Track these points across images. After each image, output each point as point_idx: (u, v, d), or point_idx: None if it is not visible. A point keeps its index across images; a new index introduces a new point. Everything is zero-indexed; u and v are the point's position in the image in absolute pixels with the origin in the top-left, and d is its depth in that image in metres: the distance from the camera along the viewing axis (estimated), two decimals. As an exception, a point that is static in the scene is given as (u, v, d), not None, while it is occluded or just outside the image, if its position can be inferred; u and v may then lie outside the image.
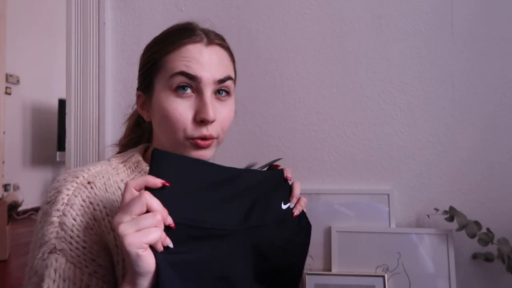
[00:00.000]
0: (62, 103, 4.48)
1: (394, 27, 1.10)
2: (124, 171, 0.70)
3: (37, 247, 0.60)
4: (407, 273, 1.03)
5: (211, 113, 0.64)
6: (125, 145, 0.82)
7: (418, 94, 1.09)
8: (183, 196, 0.55)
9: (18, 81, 4.51)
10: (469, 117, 1.07)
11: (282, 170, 0.73)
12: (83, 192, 0.62)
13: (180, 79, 0.65)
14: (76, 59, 1.24)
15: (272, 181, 0.70)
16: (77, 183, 0.63)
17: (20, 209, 4.13)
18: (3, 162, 3.99)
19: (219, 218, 0.59)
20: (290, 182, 0.73)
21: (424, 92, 1.09)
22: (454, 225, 1.01)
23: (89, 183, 0.63)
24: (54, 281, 0.57)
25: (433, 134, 1.08)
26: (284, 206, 0.71)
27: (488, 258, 1.00)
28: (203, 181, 0.59)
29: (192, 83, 0.65)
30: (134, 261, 0.47)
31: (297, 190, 0.72)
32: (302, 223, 0.72)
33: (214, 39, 0.69)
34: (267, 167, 0.78)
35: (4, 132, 4.04)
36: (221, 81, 0.67)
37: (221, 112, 0.68)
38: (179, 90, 0.65)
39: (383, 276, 1.02)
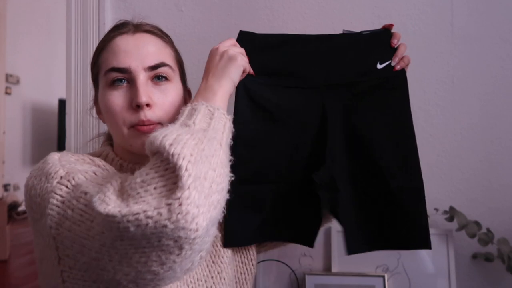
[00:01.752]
0: (62, 103, 4.48)
1: (394, 27, 1.10)
2: (99, 161, 0.70)
3: (43, 186, 0.58)
4: (407, 273, 1.03)
5: (142, 97, 0.64)
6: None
7: (418, 94, 1.09)
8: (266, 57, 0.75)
9: (18, 81, 4.51)
10: (469, 117, 1.07)
11: (387, 30, 0.76)
12: (71, 154, 0.65)
13: (112, 74, 0.67)
14: (76, 59, 1.24)
15: (372, 40, 0.75)
16: (55, 167, 0.60)
17: (20, 209, 4.12)
18: (3, 162, 3.99)
19: (301, 71, 0.75)
20: (395, 45, 0.76)
21: (424, 92, 1.09)
22: (454, 225, 1.01)
23: (67, 173, 0.60)
24: (85, 177, 0.58)
25: (433, 134, 1.08)
26: (379, 66, 0.74)
27: (488, 258, 1.00)
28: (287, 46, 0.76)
29: (124, 75, 0.67)
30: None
31: (402, 50, 0.76)
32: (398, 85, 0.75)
33: (141, 26, 0.71)
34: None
35: (4, 132, 4.04)
36: (153, 67, 0.67)
37: (159, 97, 0.67)
38: (115, 83, 0.67)
39: (383, 276, 1.02)
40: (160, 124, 0.67)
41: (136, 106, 0.65)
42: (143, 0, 1.23)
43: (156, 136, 0.51)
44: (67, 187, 0.56)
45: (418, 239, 0.74)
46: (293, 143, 0.75)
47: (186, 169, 0.47)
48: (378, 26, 1.11)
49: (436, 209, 1.04)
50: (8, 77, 4.27)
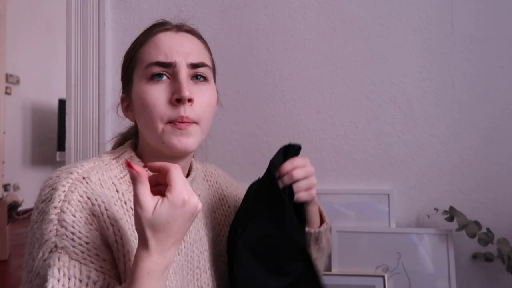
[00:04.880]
0: (62, 103, 4.47)
1: (394, 27, 1.10)
2: (117, 167, 0.69)
3: (36, 248, 0.57)
4: (407, 273, 1.03)
5: (186, 91, 0.63)
6: (115, 146, 0.82)
7: (418, 94, 1.09)
8: None
9: (18, 81, 4.51)
10: (469, 117, 1.07)
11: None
12: (80, 187, 0.60)
13: (155, 68, 0.66)
14: (76, 59, 1.24)
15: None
16: (72, 179, 0.60)
17: (20, 209, 4.12)
18: (3, 162, 3.99)
19: None
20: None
21: (424, 92, 1.09)
22: (454, 225, 1.01)
23: (84, 178, 0.61)
24: (58, 281, 0.53)
25: (433, 134, 1.08)
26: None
27: (488, 258, 1.00)
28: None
29: (166, 70, 0.66)
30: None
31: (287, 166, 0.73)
32: None
33: (184, 26, 0.71)
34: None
35: (4, 132, 4.04)
36: (196, 65, 0.67)
37: (198, 96, 0.66)
38: (154, 77, 0.66)
39: (383, 276, 1.02)
40: (196, 123, 0.66)
41: (176, 100, 0.64)
42: (143, 0, 1.23)
43: None
44: (58, 258, 0.55)
45: None
46: None
47: None
48: (378, 26, 1.12)
49: (436, 209, 1.04)
50: (8, 77, 4.27)
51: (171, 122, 0.64)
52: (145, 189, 0.51)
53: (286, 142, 1.15)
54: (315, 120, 1.13)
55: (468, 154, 1.06)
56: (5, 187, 4.18)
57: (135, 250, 0.61)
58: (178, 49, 0.66)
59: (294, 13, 1.15)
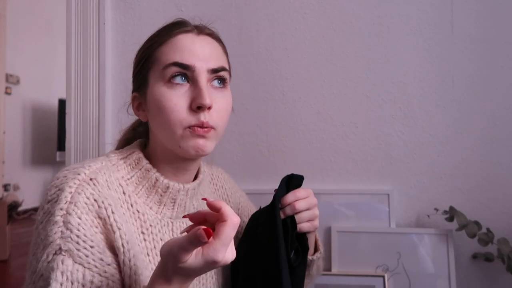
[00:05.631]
0: (62, 103, 4.47)
1: (394, 27, 1.10)
2: (124, 168, 0.68)
3: (40, 249, 0.57)
4: (407, 273, 1.03)
5: (207, 98, 0.62)
6: (122, 143, 0.80)
7: (418, 94, 1.09)
8: None
9: (18, 81, 4.51)
10: (469, 117, 1.07)
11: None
12: (87, 189, 0.59)
13: (174, 70, 0.64)
14: (76, 59, 1.24)
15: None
16: (79, 180, 0.60)
17: (20, 209, 4.13)
18: (3, 162, 3.99)
19: None
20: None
21: (424, 92, 1.09)
22: (454, 225, 1.01)
23: (91, 179, 0.61)
24: (61, 284, 0.53)
25: (433, 134, 1.08)
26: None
27: (488, 258, 1.00)
28: None
29: (186, 72, 0.64)
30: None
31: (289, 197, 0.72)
32: None
33: (205, 29, 0.69)
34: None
35: (4, 132, 4.05)
36: (216, 70, 0.66)
37: (217, 102, 0.65)
38: (173, 80, 0.64)
39: (383, 276, 1.02)
40: (214, 129, 0.65)
41: (197, 107, 0.63)
42: (143, 0, 1.23)
43: None
44: (44, 276, 0.55)
45: None
46: None
47: None
48: (378, 26, 1.11)
49: (436, 209, 1.04)
50: (8, 77, 4.27)
51: (190, 127, 0.63)
52: (191, 248, 0.48)
53: (286, 142, 1.15)
54: (315, 120, 1.13)
55: (468, 154, 1.06)
56: (5, 187, 4.18)
57: (140, 254, 0.61)
58: (199, 54, 0.65)
59: (294, 13, 1.15)
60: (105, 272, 0.57)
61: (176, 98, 0.63)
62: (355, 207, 1.09)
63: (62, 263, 0.54)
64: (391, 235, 1.05)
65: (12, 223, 3.51)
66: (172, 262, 0.49)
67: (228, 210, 0.49)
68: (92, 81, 1.23)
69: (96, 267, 0.56)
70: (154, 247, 0.66)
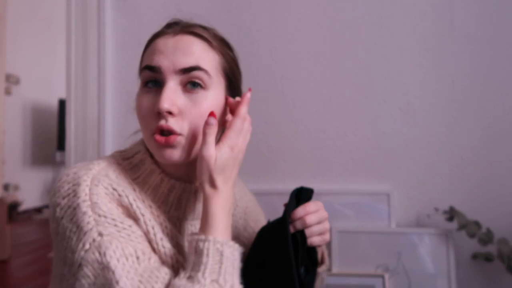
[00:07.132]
0: (62, 103, 4.47)
1: (394, 27, 1.10)
2: (130, 168, 0.67)
3: (73, 241, 0.55)
4: (407, 273, 1.03)
5: (164, 103, 0.58)
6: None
7: (418, 94, 1.09)
8: None
9: (18, 81, 4.51)
10: (469, 117, 1.07)
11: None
12: (103, 180, 0.59)
13: (146, 74, 0.63)
14: (76, 59, 1.24)
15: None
16: (92, 174, 0.60)
17: (20, 209, 4.13)
18: (3, 162, 3.99)
19: None
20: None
21: (424, 92, 1.09)
22: (454, 225, 1.01)
23: (104, 174, 0.61)
24: (118, 260, 0.53)
25: (433, 134, 1.08)
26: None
27: (488, 258, 1.01)
28: None
29: (155, 75, 0.62)
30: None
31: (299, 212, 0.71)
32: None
33: (189, 28, 0.65)
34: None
35: (4, 132, 4.04)
36: (186, 70, 0.61)
37: (187, 106, 0.61)
38: (146, 85, 0.63)
39: (383, 276, 1.02)
40: (181, 135, 0.61)
41: (158, 113, 0.60)
42: (143, 0, 1.23)
43: None
44: (97, 260, 0.54)
45: None
46: None
47: None
48: (378, 26, 1.12)
49: (436, 209, 1.04)
50: (8, 77, 4.27)
51: (153, 134, 0.62)
52: (212, 139, 0.60)
53: (286, 142, 1.15)
54: (315, 120, 1.13)
55: (468, 154, 1.06)
56: (5, 187, 4.18)
57: (166, 239, 0.62)
58: (168, 54, 0.62)
59: (294, 13, 1.15)
60: (148, 247, 0.59)
61: (145, 103, 0.62)
62: (355, 207, 1.09)
63: (110, 243, 0.55)
64: (391, 235, 1.05)
65: (12, 223, 3.52)
66: (206, 169, 0.59)
67: (241, 109, 0.66)
68: (92, 81, 1.23)
69: (139, 243, 0.58)
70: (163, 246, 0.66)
